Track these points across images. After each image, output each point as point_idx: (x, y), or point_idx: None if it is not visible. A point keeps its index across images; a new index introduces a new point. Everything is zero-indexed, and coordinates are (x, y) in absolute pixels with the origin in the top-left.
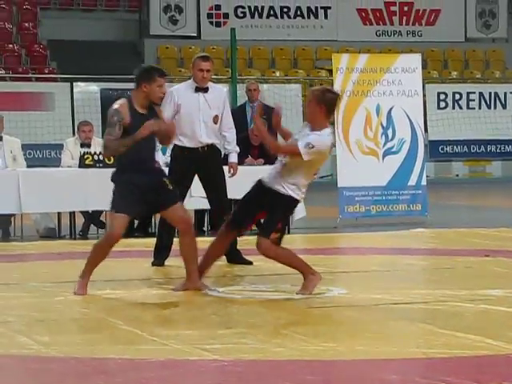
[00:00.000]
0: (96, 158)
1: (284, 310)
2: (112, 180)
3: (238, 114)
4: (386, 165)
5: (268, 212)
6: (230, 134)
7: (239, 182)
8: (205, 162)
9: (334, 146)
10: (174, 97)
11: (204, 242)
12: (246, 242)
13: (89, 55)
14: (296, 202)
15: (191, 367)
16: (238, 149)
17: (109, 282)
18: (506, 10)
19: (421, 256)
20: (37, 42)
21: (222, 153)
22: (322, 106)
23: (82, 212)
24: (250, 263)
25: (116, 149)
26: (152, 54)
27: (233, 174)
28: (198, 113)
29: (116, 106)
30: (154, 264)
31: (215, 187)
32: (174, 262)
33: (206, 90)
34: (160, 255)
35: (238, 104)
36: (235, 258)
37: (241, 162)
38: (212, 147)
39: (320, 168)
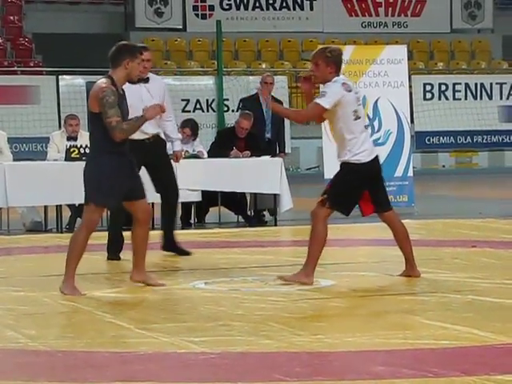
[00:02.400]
0: (82, 151)
1: (271, 302)
2: (91, 166)
3: (251, 105)
4: None
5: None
6: (171, 123)
7: (224, 174)
8: (152, 153)
9: (356, 93)
10: None
11: (191, 235)
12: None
13: (74, 48)
14: (354, 165)
15: (179, 360)
16: (180, 136)
17: (96, 276)
18: (491, 0)
19: None
20: (22, 35)
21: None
22: (332, 65)
23: (68, 205)
24: (188, 254)
25: (133, 132)
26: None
27: (176, 162)
28: (140, 103)
29: (105, 84)
30: (109, 258)
31: (165, 177)
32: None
33: (146, 80)
34: (115, 249)
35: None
36: (172, 246)
37: (226, 154)
38: (157, 137)
39: (360, 113)
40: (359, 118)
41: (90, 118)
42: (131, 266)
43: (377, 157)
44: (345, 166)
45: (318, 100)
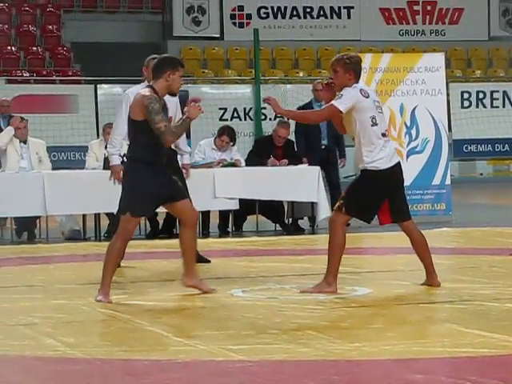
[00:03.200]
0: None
1: (309, 311)
2: (127, 174)
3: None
4: (410, 164)
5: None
6: (183, 136)
7: (261, 183)
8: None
9: (375, 101)
10: (129, 99)
11: (229, 243)
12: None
13: (112, 57)
14: (372, 172)
15: (217, 368)
16: (189, 149)
17: (134, 284)
18: None
19: (445, 255)
20: (60, 45)
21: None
22: (351, 72)
23: (106, 214)
24: (208, 261)
25: (181, 134)
26: (175, 56)
27: (186, 176)
28: None
29: (149, 93)
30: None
31: None
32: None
33: None
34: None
35: (262, 105)
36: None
37: (264, 162)
38: (170, 149)
39: (377, 120)
40: (376, 124)
41: (131, 126)
42: (167, 272)
43: (398, 164)
44: (363, 172)
45: (333, 102)
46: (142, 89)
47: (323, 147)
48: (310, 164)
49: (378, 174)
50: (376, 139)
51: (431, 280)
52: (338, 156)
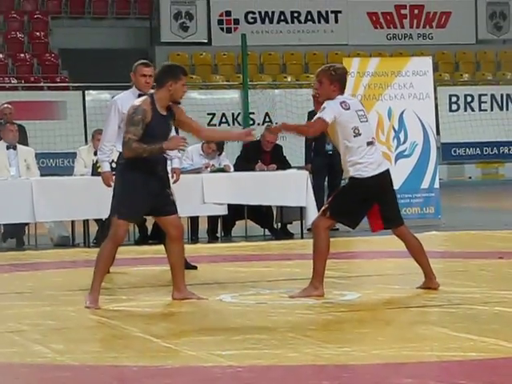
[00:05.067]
0: None
1: (298, 315)
2: (118, 179)
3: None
4: (398, 168)
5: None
6: None
7: (250, 188)
8: None
9: (359, 110)
10: (117, 105)
11: (218, 249)
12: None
13: (100, 63)
14: (357, 180)
15: (206, 374)
16: (179, 154)
17: (123, 290)
18: None
19: (434, 259)
20: (48, 51)
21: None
22: (336, 83)
23: (95, 220)
24: (195, 268)
25: (141, 153)
26: (163, 61)
27: (176, 180)
28: None
29: (140, 103)
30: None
31: None
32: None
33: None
34: None
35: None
36: None
37: (252, 167)
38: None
39: (361, 130)
40: (360, 134)
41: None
42: (157, 278)
43: (386, 171)
44: (350, 179)
45: (319, 114)
46: (129, 96)
47: (329, 153)
48: (313, 169)
49: (363, 181)
50: (360, 149)
51: (430, 282)
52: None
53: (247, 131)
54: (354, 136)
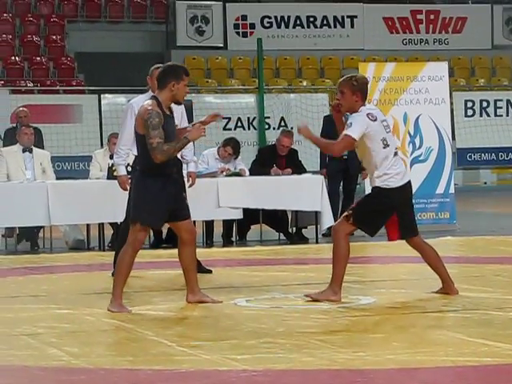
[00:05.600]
0: None
1: (313, 320)
2: (138, 185)
3: (329, 124)
4: (413, 173)
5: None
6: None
7: (265, 192)
8: None
9: (383, 121)
10: (134, 109)
11: (232, 253)
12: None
13: (116, 67)
14: (384, 190)
15: (221, 378)
16: (195, 158)
17: (138, 293)
18: None
19: (449, 264)
20: (64, 55)
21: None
22: (358, 93)
23: (110, 223)
24: (210, 272)
25: (173, 153)
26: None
27: (191, 184)
28: None
29: (151, 107)
30: (113, 274)
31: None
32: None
33: None
34: None
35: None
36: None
37: (267, 172)
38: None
39: (389, 141)
40: (388, 145)
41: (136, 139)
42: (171, 282)
43: (409, 182)
44: (375, 189)
45: (346, 131)
46: (146, 100)
47: (344, 158)
48: (328, 173)
49: (389, 191)
50: (387, 159)
51: (448, 288)
52: (361, 168)
53: (212, 115)
54: (383, 147)
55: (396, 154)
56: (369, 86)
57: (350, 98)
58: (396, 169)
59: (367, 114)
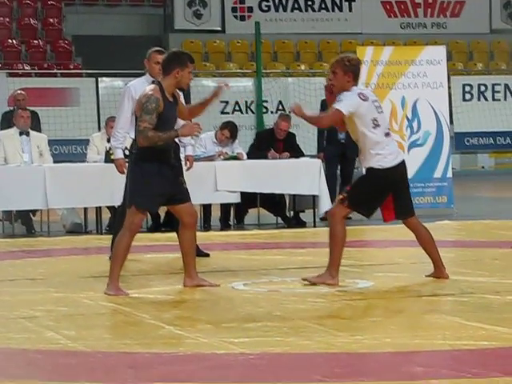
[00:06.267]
0: None
1: (310, 303)
2: (134, 168)
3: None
4: (411, 157)
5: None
6: None
7: (262, 176)
8: None
9: (375, 101)
10: (131, 92)
11: (230, 236)
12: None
13: (113, 50)
14: (378, 171)
15: (218, 361)
16: (193, 142)
17: (135, 277)
18: None
19: (447, 248)
20: (62, 38)
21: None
22: (350, 74)
23: (108, 207)
24: (207, 255)
25: (156, 142)
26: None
27: (189, 168)
28: None
29: (151, 92)
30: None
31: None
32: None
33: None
34: None
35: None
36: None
37: (264, 155)
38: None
39: (380, 121)
40: (379, 125)
41: (135, 121)
42: (169, 265)
43: (403, 162)
44: (368, 171)
45: (335, 105)
46: (143, 83)
47: (342, 141)
48: (326, 157)
49: (383, 172)
50: (380, 140)
51: (439, 273)
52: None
53: (218, 87)
54: (374, 127)
55: (388, 134)
56: (367, 69)
57: (342, 78)
58: (389, 149)
59: (358, 94)
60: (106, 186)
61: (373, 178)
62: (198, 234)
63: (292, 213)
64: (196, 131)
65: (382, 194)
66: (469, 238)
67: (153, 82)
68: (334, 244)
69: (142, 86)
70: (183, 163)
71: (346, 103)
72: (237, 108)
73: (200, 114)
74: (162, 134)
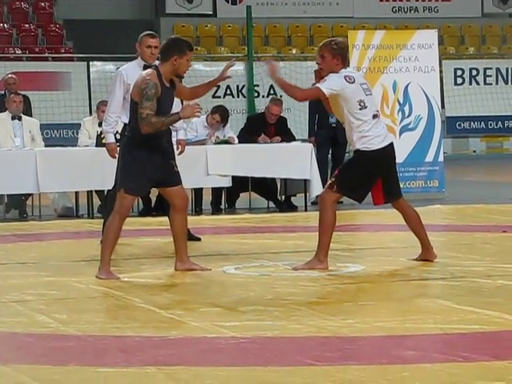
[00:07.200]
0: None
1: (301, 287)
2: (125, 153)
3: None
4: (402, 141)
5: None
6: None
7: (254, 160)
8: None
9: (363, 84)
10: (123, 76)
11: (221, 220)
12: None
13: (105, 34)
14: (365, 153)
15: (209, 345)
16: (185, 126)
17: (126, 261)
18: None
19: (438, 232)
20: (53, 22)
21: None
22: (338, 57)
23: (97, 191)
24: (198, 239)
25: (160, 127)
26: (168, 33)
27: (181, 152)
28: None
29: (149, 77)
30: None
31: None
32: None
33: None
34: None
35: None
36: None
37: (255, 139)
38: None
39: (367, 103)
40: (366, 107)
41: (130, 105)
42: (160, 249)
43: (391, 144)
44: (356, 152)
45: (318, 84)
46: (134, 67)
47: (333, 126)
48: (317, 142)
49: (370, 154)
50: (366, 122)
51: (427, 254)
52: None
53: (225, 68)
54: (360, 109)
55: (376, 116)
56: (358, 53)
57: (331, 61)
58: (377, 131)
59: (345, 76)
60: (98, 170)
61: (360, 161)
62: (190, 218)
63: (283, 197)
64: (197, 112)
65: (370, 176)
66: (460, 222)
67: (145, 66)
68: (323, 230)
69: (133, 70)
70: (175, 147)
71: (329, 84)
72: (228, 92)
73: (203, 95)
74: (165, 118)
